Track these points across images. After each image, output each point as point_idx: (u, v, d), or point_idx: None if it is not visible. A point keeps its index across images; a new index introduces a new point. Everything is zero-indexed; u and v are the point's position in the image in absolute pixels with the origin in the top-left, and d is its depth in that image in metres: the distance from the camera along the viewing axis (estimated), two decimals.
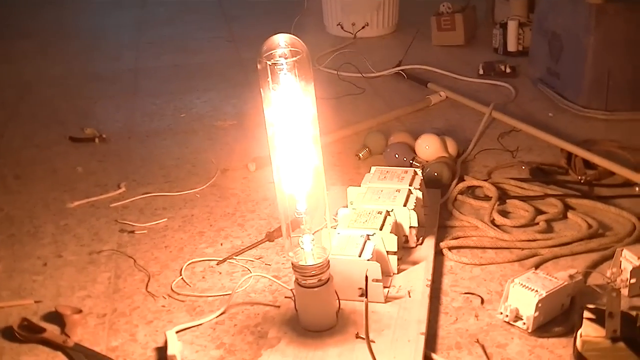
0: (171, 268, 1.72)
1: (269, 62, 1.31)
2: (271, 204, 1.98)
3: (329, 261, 1.41)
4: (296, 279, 1.42)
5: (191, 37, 3.76)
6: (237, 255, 1.74)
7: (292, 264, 1.41)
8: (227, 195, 2.06)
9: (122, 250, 1.80)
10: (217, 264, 1.72)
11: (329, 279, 1.41)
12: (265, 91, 1.33)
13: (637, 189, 1.93)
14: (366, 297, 1.38)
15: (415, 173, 1.79)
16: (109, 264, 1.75)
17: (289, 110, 1.33)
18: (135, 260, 1.75)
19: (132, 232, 1.89)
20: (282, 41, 1.31)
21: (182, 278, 1.67)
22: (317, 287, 1.40)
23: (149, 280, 1.67)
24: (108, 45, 3.76)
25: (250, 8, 4.22)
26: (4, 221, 2.00)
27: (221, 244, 1.81)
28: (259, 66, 1.32)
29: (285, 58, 1.31)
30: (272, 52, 1.31)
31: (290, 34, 1.32)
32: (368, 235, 1.55)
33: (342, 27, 3.55)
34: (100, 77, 3.21)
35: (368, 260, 1.47)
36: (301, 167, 1.37)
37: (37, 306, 1.60)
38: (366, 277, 1.43)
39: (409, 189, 1.72)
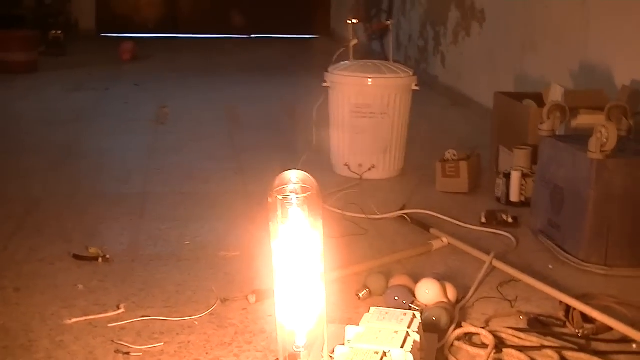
0: None
1: (279, 197, 1.34)
2: (268, 337, 1.98)
3: None
4: None
5: (199, 166, 3.82)
6: None
7: None
8: (226, 325, 2.07)
9: None
10: None
11: None
12: (273, 224, 1.36)
13: (634, 345, 1.94)
14: None
15: (414, 316, 1.80)
16: None
17: (297, 244, 1.35)
18: None
19: (128, 353, 1.89)
20: (293, 177, 1.35)
21: None
22: None
23: None
24: (117, 168, 3.82)
25: (260, 142, 4.30)
26: None
27: None
28: (269, 200, 1.35)
29: (297, 194, 1.34)
30: (283, 186, 1.35)
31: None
32: None
33: (349, 168, 3.62)
34: (107, 198, 3.25)
35: None
36: (304, 302, 1.38)
37: None
38: None
39: (407, 332, 1.73)
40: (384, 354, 1.63)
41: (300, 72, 6.56)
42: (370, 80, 3.56)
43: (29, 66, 6.79)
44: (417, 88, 3.64)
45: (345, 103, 3.60)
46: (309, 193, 1.34)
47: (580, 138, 2.63)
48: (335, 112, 3.66)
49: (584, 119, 3.19)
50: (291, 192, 1.34)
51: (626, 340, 1.97)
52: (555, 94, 3.38)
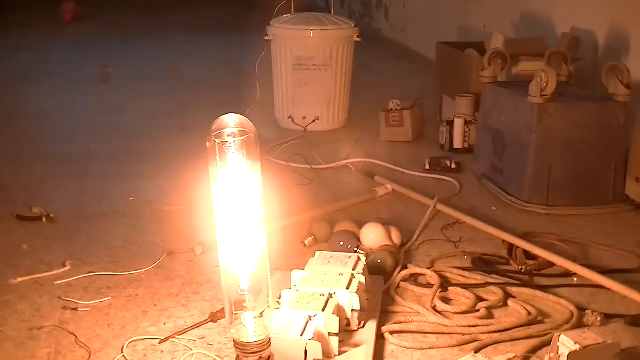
0: (113, 346, 1.71)
1: (217, 141, 1.34)
2: (215, 286, 1.98)
3: (270, 339, 1.42)
4: (237, 356, 1.43)
5: (143, 124, 3.78)
6: (179, 335, 1.74)
7: (233, 341, 1.42)
8: (173, 277, 2.07)
9: (64, 327, 1.79)
10: (160, 343, 1.71)
11: (269, 357, 1.42)
12: (213, 168, 1.36)
13: (575, 279, 1.99)
14: None
15: (359, 259, 1.82)
16: (50, 340, 1.74)
17: (236, 187, 1.36)
18: (77, 337, 1.74)
19: (75, 309, 1.88)
20: (231, 121, 1.35)
21: (123, 355, 1.66)
22: None
23: (89, 357, 1.66)
24: (60, 128, 3.77)
25: (204, 99, 4.27)
26: None
27: (164, 324, 1.81)
28: (207, 144, 1.35)
29: (234, 137, 1.34)
30: (221, 131, 1.35)
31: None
32: (310, 316, 1.57)
33: (292, 120, 3.61)
34: (50, 158, 3.21)
35: (309, 340, 1.48)
36: (245, 244, 1.39)
37: None
38: (305, 354, 1.44)
39: (352, 274, 1.74)
40: (330, 295, 1.65)
41: (244, 30, 6.50)
42: (312, 32, 3.55)
43: None
44: (359, 39, 3.64)
45: (287, 56, 3.59)
46: (246, 136, 1.34)
47: (521, 84, 2.65)
48: (277, 65, 3.65)
49: (524, 66, 3.21)
50: (229, 135, 1.34)
51: (567, 274, 2.02)
52: (497, 42, 3.40)
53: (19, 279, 2.05)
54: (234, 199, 1.36)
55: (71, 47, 6.22)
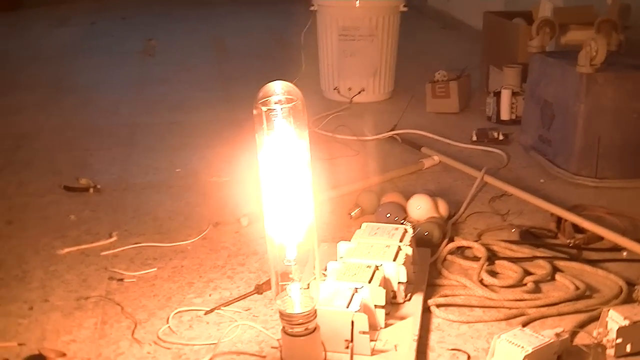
0: (158, 316, 1.71)
1: (264, 109, 1.33)
2: (261, 258, 1.98)
3: (316, 310, 1.41)
4: (283, 327, 1.42)
5: (188, 96, 3.79)
6: (225, 306, 1.74)
7: (279, 312, 1.41)
8: (218, 249, 2.07)
9: (110, 297, 1.80)
10: (205, 314, 1.72)
11: (315, 328, 1.42)
12: (259, 136, 1.35)
13: (624, 253, 1.95)
14: (352, 345, 1.38)
15: (406, 230, 1.80)
16: (96, 310, 1.75)
17: (283, 155, 1.34)
18: (122, 308, 1.75)
19: (121, 280, 1.89)
20: (278, 88, 1.33)
21: (169, 326, 1.67)
22: (304, 335, 1.40)
23: (135, 327, 1.67)
24: (105, 101, 3.79)
25: (248, 71, 4.27)
26: None
27: (210, 295, 1.81)
28: (254, 112, 1.34)
29: (281, 104, 1.33)
30: (267, 98, 1.34)
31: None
32: (356, 288, 1.55)
33: (338, 92, 3.60)
34: (97, 131, 3.23)
35: (355, 312, 1.47)
36: (292, 214, 1.38)
37: (21, 349, 1.59)
38: (352, 325, 1.43)
39: (399, 245, 1.73)
40: (376, 267, 1.64)
41: (289, 1, 6.48)
42: (357, 2, 3.52)
43: (11, 2, 6.66)
44: (405, 9, 3.60)
45: (333, 26, 3.56)
46: (293, 103, 1.32)
47: (570, 53, 2.60)
48: (323, 36, 3.63)
49: (573, 35, 3.16)
50: (276, 103, 1.32)
51: (617, 248, 1.98)
52: (545, 11, 3.34)
53: (66, 250, 2.07)
54: (281, 168, 1.35)
55: (116, 20, 6.25)
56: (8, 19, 6.31)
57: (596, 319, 1.59)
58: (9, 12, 6.50)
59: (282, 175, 1.36)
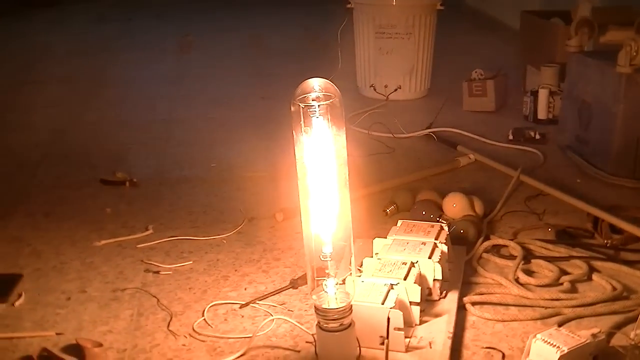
0: (194, 309, 1.72)
1: (302, 105, 1.33)
2: (297, 252, 1.99)
3: (351, 306, 1.41)
4: (318, 322, 1.42)
5: (224, 92, 3.81)
6: (260, 300, 1.75)
7: (314, 307, 1.42)
8: (254, 243, 2.08)
9: (146, 289, 1.82)
10: (240, 307, 1.73)
11: (350, 324, 1.42)
12: (297, 134, 1.36)
13: None
14: (387, 341, 1.38)
15: (442, 228, 1.80)
16: (132, 302, 1.76)
17: (321, 152, 1.35)
18: (158, 300, 1.76)
19: (157, 272, 1.91)
20: (316, 85, 1.34)
21: (204, 319, 1.68)
22: (339, 331, 1.41)
23: (171, 320, 1.68)
24: (142, 96, 3.83)
25: (285, 68, 4.27)
26: (31, 256, 2.02)
27: (245, 289, 1.82)
28: (292, 108, 1.34)
29: (319, 102, 1.33)
30: (305, 95, 1.34)
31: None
32: (392, 284, 1.55)
33: (374, 89, 3.59)
34: (133, 126, 3.26)
35: (391, 308, 1.47)
36: (330, 209, 1.38)
37: (58, 338, 1.61)
38: (387, 321, 1.43)
39: (435, 243, 1.73)
40: (412, 264, 1.63)
41: None
42: (394, 0, 3.51)
43: None
44: (441, 8, 3.59)
45: (369, 24, 3.56)
46: (331, 100, 1.33)
47: (609, 54, 2.57)
48: (359, 33, 3.63)
49: (612, 35, 3.12)
50: (314, 100, 1.33)
51: None
52: (584, 10, 3.31)
53: (103, 242, 2.09)
54: (318, 164, 1.35)
55: (152, 17, 6.29)
56: (46, 14, 6.37)
57: (633, 320, 1.57)
58: (47, 8, 6.56)
59: (319, 171, 1.36)
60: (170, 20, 6.12)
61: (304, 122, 1.35)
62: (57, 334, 1.63)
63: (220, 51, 4.93)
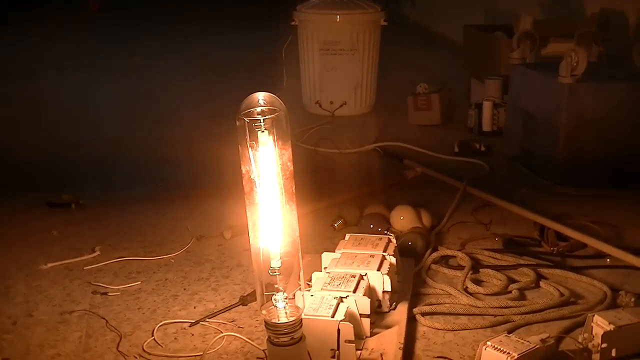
0: (143, 329, 1.71)
1: (247, 120, 1.33)
2: (245, 270, 1.98)
3: (301, 319, 1.41)
4: (269, 337, 1.42)
5: (172, 111, 3.80)
6: (210, 318, 1.74)
7: (265, 321, 1.41)
8: (202, 261, 2.07)
9: (95, 311, 1.79)
10: (190, 326, 1.71)
11: (301, 338, 1.41)
12: (242, 149, 1.35)
13: (607, 260, 1.96)
14: (338, 354, 1.38)
15: (389, 240, 1.81)
16: (81, 324, 1.74)
17: (266, 166, 1.35)
18: (107, 321, 1.74)
19: (106, 293, 1.88)
20: (260, 99, 1.34)
21: (153, 338, 1.66)
22: (290, 345, 1.40)
23: (120, 340, 1.66)
24: (89, 116, 3.79)
25: (231, 86, 4.26)
26: None
27: (194, 307, 1.80)
28: (237, 123, 1.34)
29: (264, 115, 1.33)
30: (250, 109, 1.34)
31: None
32: (341, 297, 1.55)
33: (320, 106, 3.61)
34: (80, 145, 3.23)
35: (341, 321, 1.47)
36: (277, 222, 1.38)
37: None
38: (338, 334, 1.43)
39: (383, 255, 1.73)
40: (361, 277, 1.64)
41: (271, 16, 6.50)
42: (338, 16, 3.53)
43: None
44: (385, 23, 3.62)
45: (314, 41, 3.58)
46: (276, 114, 1.33)
47: (551, 65, 2.61)
48: (304, 50, 3.65)
49: (553, 47, 3.18)
50: (258, 114, 1.33)
51: (600, 255, 2.00)
52: (525, 24, 3.37)
53: (50, 265, 2.06)
54: (264, 178, 1.35)
55: (99, 37, 6.26)
56: None
57: (581, 324, 1.59)
58: None
59: (265, 185, 1.36)
60: (118, 40, 6.08)
61: (249, 136, 1.35)
62: (3, 359, 1.60)
63: (168, 70, 4.91)
